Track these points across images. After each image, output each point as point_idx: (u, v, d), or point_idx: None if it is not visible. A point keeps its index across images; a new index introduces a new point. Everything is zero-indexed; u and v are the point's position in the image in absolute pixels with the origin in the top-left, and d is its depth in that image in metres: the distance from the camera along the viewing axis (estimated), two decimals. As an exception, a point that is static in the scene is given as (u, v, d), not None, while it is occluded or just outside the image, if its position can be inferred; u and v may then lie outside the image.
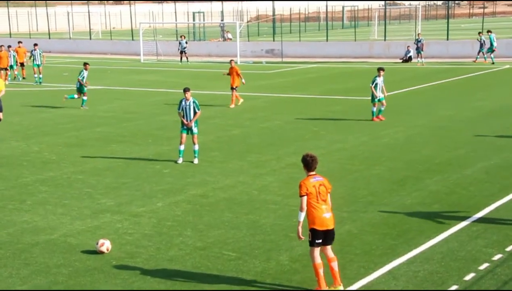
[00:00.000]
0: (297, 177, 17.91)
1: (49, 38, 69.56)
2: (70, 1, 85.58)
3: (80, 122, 27.11)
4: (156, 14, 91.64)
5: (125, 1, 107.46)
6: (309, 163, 10.81)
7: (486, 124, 24.91)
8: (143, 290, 11.07)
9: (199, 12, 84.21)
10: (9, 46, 43.38)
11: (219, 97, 33.20)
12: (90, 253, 12.68)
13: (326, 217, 10.57)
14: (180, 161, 19.70)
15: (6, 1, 79.49)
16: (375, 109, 26.31)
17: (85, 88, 30.24)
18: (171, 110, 30.15)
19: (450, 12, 63.06)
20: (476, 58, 47.69)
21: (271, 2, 67.21)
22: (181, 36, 56.32)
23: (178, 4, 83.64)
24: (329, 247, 10.73)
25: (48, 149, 22.16)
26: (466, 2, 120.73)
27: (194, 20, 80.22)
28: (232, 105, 30.47)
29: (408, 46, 50.99)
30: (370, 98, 26.71)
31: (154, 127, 25.95)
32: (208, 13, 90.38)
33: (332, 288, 10.69)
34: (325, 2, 65.49)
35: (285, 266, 11.96)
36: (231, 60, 31.88)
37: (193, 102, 19.65)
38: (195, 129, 19.74)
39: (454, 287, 10.89)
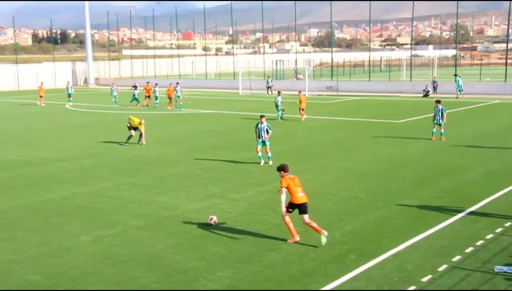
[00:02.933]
0: (347, 176, 17.77)
1: (179, 77, 70.84)
2: (193, 55, 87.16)
3: (199, 135, 27.49)
4: (251, 61, 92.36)
5: (230, 54, 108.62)
6: (285, 168, 11.77)
7: (485, 141, 24.00)
8: (238, 251, 11.12)
9: (280, 60, 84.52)
10: (156, 84, 44.74)
11: (293, 119, 33.15)
12: (202, 225, 12.82)
13: (299, 196, 11.40)
14: (262, 162, 19.66)
15: (153, 58, 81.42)
16: (434, 130, 24.93)
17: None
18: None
19: (457, 62, 61.18)
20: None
21: (329, 53, 66.55)
22: (268, 77, 56.54)
23: (266, 55, 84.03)
24: (305, 216, 11.38)
25: (177, 153, 22.53)
26: (468, 55, 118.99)
27: (276, 65, 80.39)
28: (303, 118, 32.11)
29: (427, 85, 49.72)
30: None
31: (248, 139, 26.07)
32: (286, 60, 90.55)
33: (322, 236, 11.25)
34: (367, 53, 64.47)
35: (337, 238, 11.80)
36: (299, 92, 33.84)
37: (267, 125, 19.82)
38: (267, 143, 19.84)
39: (458, 257, 10.56)
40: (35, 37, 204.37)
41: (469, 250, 10.96)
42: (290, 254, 10.95)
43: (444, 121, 24.69)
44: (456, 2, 53.86)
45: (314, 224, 11.38)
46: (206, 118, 34.77)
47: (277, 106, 33.50)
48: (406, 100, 45.10)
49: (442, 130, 24.80)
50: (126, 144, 24.50)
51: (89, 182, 17.43)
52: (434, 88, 48.09)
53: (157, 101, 43.10)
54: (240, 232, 12.25)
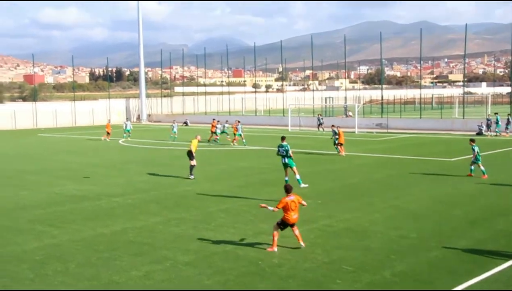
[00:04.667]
0: (397, 215, 17.39)
1: (229, 114, 71.72)
2: (243, 92, 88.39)
3: (248, 171, 27.58)
4: (301, 98, 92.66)
5: (280, 91, 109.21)
6: (287, 190, 13.44)
7: (541, 181, 23.08)
8: (287, 290, 10.98)
9: (329, 97, 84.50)
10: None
11: (346, 156, 32.88)
12: (251, 262, 12.75)
13: (293, 217, 13.30)
14: (303, 185, 19.44)
15: (205, 95, 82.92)
16: (472, 167, 24.82)
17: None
18: (307, 162, 30.29)
19: (511, 99, 59.65)
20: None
21: (379, 90, 66.14)
22: (319, 114, 56.74)
23: (316, 92, 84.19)
24: (295, 228, 13.48)
25: (226, 189, 22.61)
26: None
27: (326, 102, 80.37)
28: (343, 153, 32.66)
29: (481, 123, 48.57)
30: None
31: (305, 174, 25.91)
32: (336, 97, 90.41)
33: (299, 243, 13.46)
34: (418, 90, 63.71)
35: (387, 278, 11.50)
36: (337, 127, 34.61)
37: (287, 145, 20.06)
38: (293, 164, 19.97)
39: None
40: (92, 75, 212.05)
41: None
42: (339, 294, 10.73)
43: (474, 159, 24.55)
44: (510, 39, 52.81)
45: (298, 233, 13.58)
46: (255, 155, 34.91)
47: (335, 143, 33.91)
48: (458, 139, 44.12)
49: (482, 168, 24.35)
50: (192, 176, 24.93)
51: (140, 217, 17.69)
52: (488, 126, 46.97)
53: (218, 137, 43.85)
54: (288, 270, 12.12)
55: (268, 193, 21.39)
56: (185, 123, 65.56)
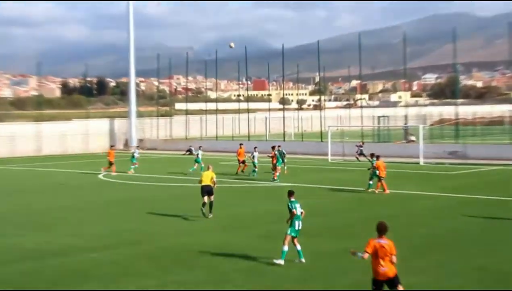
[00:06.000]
0: (486, 279, 16.88)
1: (249, 140, 71.60)
2: (267, 109, 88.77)
3: (274, 217, 27.07)
4: (345, 117, 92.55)
5: (316, 109, 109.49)
6: (379, 229, 13.47)
7: None
8: None
9: (384, 116, 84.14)
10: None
11: (405, 196, 32.44)
12: None
13: (382, 269, 12.97)
14: (282, 262, 18.53)
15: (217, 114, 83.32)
16: None
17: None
18: (358, 206, 29.90)
19: None
20: None
21: (452, 107, 65.79)
22: (360, 143, 56.53)
23: (365, 109, 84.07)
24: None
25: (245, 240, 22.37)
26: None
27: (379, 123, 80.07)
28: (387, 192, 33.41)
29: None
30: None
31: (341, 223, 25.56)
32: (393, 116, 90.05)
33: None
34: (508, 105, 63.17)
35: None
36: (376, 156, 35.01)
37: (296, 202, 19.28)
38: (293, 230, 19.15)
39: None
40: (64, 87, 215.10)
41: None
42: None
43: None
44: None
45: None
46: (284, 194, 34.56)
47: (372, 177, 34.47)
48: None
49: None
50: (210, 215, 26.84)
51: (124, 280, 17.45)
52: None
53: (256, 170, 44.43)
54: None
55: (301, 245, 20.96)
56: (189, 151, 65.71)
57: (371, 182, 34.70)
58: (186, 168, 47.83)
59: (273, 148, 43.19)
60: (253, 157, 44.78)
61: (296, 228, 18.99)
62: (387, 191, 33.74)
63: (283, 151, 44.79)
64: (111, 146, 53.88)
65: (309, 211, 28.49)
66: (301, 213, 19.27)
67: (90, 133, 78.36)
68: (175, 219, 27.04)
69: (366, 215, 27.03)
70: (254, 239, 22.60)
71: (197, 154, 48.24)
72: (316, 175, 45.01)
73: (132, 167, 48.39)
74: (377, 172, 34.00)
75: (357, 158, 54.69)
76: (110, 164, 47.35)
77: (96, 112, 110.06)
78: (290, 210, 19.12)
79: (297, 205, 19.24)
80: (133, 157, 49.28)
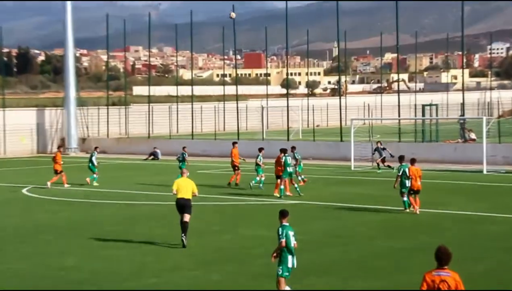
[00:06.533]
0: None
1: (238, 138, 70.59)
2: (264, 95, 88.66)
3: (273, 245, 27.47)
4: (374, 106, 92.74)
5: (334, 96, 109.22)
6: (439, 257, 13.61)
7: None
8: None
9: (430, 105, 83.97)
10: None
11: (466, 217, 32.86)
12: None
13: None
14: None
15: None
16: None
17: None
18: (390, 233, 30.16)
19: None
20: None
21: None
22: (378, 142, 56.75)
23: (402, 95, 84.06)
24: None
25: (229, 279, 22.65)
26: None
27: (423, 115, 79.87)
28: (417, 210, 33.94)
29: None
30: None
31: (368, 255, 25.89)
32: (443, 105, 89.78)
33: None
34: None
35: None
36: (412, 159, 35.12)
37: (288, 228, 19.18)
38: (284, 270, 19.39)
39: None
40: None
41: None
42: None
43: None
44: None
45: None
46: (290, 214, 34.87)
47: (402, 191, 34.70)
48: None
49: None
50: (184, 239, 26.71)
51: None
52: None
53: (263, 178, 44.75)
54: None
55: (308, 286, 21.29)
56: (153, 155, 65.90)
57: (405, 199, 34.48)
58: (151, 177, 47.30)
59: (283, 151, 42.48)
60: (259, 161, 44.88)
61: (289, 265, 19.03)
62: (417, 209, 33.76)
63: (297, 155, 45.38)
64: (59, 147, 53.79)
65: (323, 238, 28.92)
66: (294, 244, 19.20)
67: (8, 130, 78.07)
68: (135, 250, 27.13)
69: (402, 245, 27.46)
70: (246, 279, 22.86)
71: (181, 159, 48.27)
72: (333, 189, 45.13)
73: (95, 176, 48.41)
74: (407, 182, 33.96)
75: (378, 164, 54.61)
76: (58, 172, 46.89)
77: (17, 99, 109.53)
78: (279, 239, 19.00)
79: (291, 232, 19.09)
80: (91, 162, 48.97)
